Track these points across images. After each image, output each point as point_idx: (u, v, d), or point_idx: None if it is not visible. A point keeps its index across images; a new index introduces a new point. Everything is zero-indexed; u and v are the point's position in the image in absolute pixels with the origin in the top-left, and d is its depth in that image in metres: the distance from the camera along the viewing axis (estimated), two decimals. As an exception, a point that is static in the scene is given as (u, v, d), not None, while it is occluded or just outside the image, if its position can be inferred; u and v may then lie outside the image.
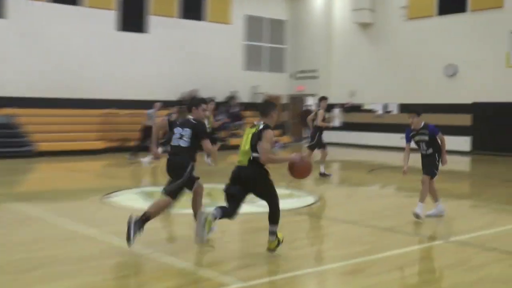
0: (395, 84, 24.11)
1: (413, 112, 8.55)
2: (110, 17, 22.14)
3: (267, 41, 27.43)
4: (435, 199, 8.61)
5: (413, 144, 8.69)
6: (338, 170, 16.22)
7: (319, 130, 13.40)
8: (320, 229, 7.86)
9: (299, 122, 28.17)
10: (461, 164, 17.93)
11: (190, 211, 7.11)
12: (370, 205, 10.04)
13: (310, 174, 6.36)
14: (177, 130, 6.76)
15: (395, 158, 17.60)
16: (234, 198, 6.13)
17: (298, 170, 6.20)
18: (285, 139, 25.14)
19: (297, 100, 28.49)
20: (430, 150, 8.55)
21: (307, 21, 27.18)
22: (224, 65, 25.28)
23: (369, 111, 24.85)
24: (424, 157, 8.64)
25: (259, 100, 25.77)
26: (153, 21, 23.19)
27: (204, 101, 7.15)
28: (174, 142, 6.74)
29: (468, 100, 21.17)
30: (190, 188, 6.78)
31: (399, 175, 15.04)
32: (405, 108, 23.43)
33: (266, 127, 6.04)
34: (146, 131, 16.50)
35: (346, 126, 25.59)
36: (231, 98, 24.54)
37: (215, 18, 25.18)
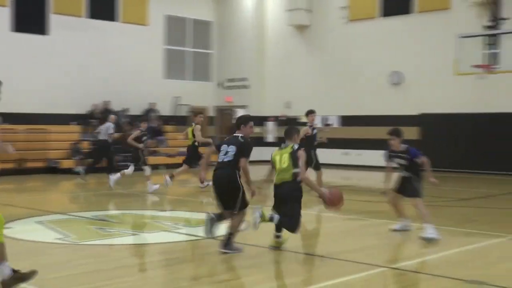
0: (335, 93, 24.63)
1: (393, 134, 9.36)
2: (2, 15, 21.57)
3: (190, 45, 27.48)
4: (401, 215, 9.48)
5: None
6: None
7: None
8: (249, 259, 7.89)
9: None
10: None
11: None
12: (311, 229, 10.19)
13: (342, 202, 8.32)
14: (224, 148, 8.05)
15: (338, 176, 17.99)
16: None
17: (331, 203, 8.25)
18: (213, 157, 25.14)
19: (226, 112, 28.62)
20: (408, 173, 9.30)
21: (236, 23, 27.43)
22: (141, 73, 25.08)
23: (306, 124, 25.27)
24: (403, 179, 9.38)
25: (182, 112, 25.75)
26: (56, 20, 22.76)
27: (251, 118, 8.51)
28: (220, 158, 8.02)
29: (415, 111, 21.92)
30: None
31: (346, 196, 15.35)
32: (346, 120, 24.04)
33: (300, 147, 8.01)
34: (102, 148, 17.43)
35: (281, 142, 25.79)
36: (149, 111, 24.33)
37: (129, 18, 25.02)
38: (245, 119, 8.29)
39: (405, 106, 22.49)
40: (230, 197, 7.83)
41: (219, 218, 7.86)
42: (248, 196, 7.96)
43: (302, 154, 7.93)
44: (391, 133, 9.35)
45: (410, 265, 7.40)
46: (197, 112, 15.53)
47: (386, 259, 8.06)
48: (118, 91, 23.72)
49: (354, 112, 23.81)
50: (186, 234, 9.58)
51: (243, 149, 7.91)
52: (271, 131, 26.65)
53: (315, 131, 14.68)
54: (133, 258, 8.11)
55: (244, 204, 7.90)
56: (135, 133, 15.52)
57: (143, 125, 16.00)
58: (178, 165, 16.03)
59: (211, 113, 27.93)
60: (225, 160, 7.92)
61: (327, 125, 24.58)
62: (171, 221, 10.86)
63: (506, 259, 7.98)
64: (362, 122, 23.36)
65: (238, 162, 7.84)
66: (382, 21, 23.74)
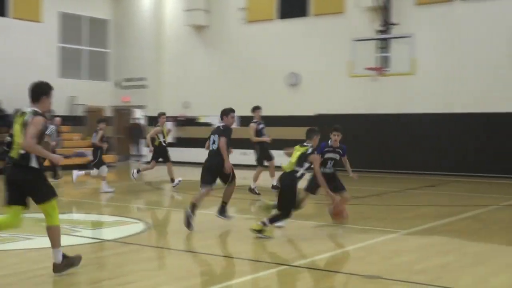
0: (234, 94, 24.78)
1: (339, 130, 10.40)
2: None
3: (87, 44, 26.82)
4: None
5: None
6: (172, 192, 16.26)
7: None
8: (151, 261, 7.82)
9: (126, 137, 27.84)
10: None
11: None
12: (207, 230, 10.19)
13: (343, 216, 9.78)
14: (211, 138, 9.88)
15: (237, 177, 18.05)
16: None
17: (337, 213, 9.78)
18: (110, 158, 24.65)
19: (123, 112, 28.16)
20: (333, 169, 10.31)
21: (133, 22, 27.05)
22: (34, 71, 24.04)
23: (206, 124, 25.29)
24: (329, 175, 10.11)
25: (79, 113, 25.09)
26: None
27: (232, 110, 10.18)
28: (210, 147, 9.91)
29: (311, 112, 22.42)
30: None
31: (239, 195, 15.48)
32: (244, 120, 24.20)
33: (314, 151, 9.03)
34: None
35: (180, 142, 25.79)
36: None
37: (22, 14, 24.09)
38: (226, 111, 10.12)
39: (302, 107, 22.95)
40: (224, 174, 9.87)
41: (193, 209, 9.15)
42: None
43: (315, 158, 9.03)
44: (337, 129, 10.32)
45: (310, 263, 7.55)
46: (161, 113, 16.64)
47: (286, 257, 8.19)
48: (10, 90, 22.76)
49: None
50: (85, 237, 9.33)
51: (223, 133, 9.75)
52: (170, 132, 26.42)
53: (261, 126, 14.97)
54: (28, 263, 7.80)
55: (234, 177, 10.03)
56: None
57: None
58: (74, 167, 15.65)
59: (108, 113, 27.37)
60: (214, 148, 9.82)
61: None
62: (69, 224, 10.54)
63: (399, 253, 8.31)
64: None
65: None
66: (280, 23, 24.14)
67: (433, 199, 14.57)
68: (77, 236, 9.39)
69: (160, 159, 16.32)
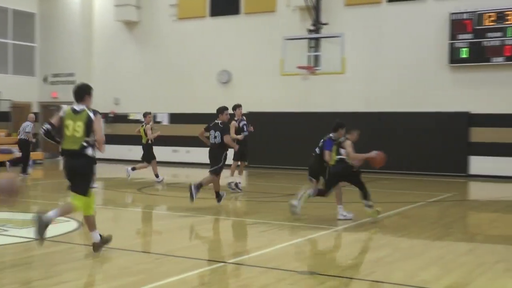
0: (165, 91, 24.61)
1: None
2: None
3: (12, 37, 26.00)
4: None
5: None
6: (103, 189, 16.00)
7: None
8: (84, 260, 7.66)
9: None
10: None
11: None
12: (142, 228, 10.09)
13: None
14: (211, 133, 12.23)
15: (167, 174, 17.97)
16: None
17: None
18: (37, 155, 24.02)
19: (51, 108, 27.48)
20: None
21: (61, 16, 26.42)
22: (-44, 65, 23.29)
23: (137, 121, 24.97)
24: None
25: (4, 108, 24.31)
26: None
27: (226, 108, 12.51)
28: (211, 140, 12.23)
29: (243, 110, 22.41)
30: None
31: (171, 193, 15.40)
32: (175, 118, 24.04)
33: (347, 138, 10.61)
34: (22, 146, 18.68)
35: (110, 139, 25.32)
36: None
37: None
38: (221, 109, 12.30)
39: (233, 104, 22.91)
40: (216, 162, 12.04)
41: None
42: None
43: (348, 143, 10.53)
44: (343, 126, 10.88)
45: (246, 259, 7.58)
46: (146, 112, 17.20)
47: (222, 254, 8.20)
48: None
49: (185, 109, 23.92)
50: (14, 236, 9.05)
51: (224, 130, 12.09)
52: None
53: (242, 123, 15.08)
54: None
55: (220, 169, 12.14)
56: None
57: None
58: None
59: (35, 109, 26.63)
60: (216, 142, 12.12)
61: (157, 122, 24.44)
62: (-5, 223, 10.20)
63: (332, 249, 8.46)
64: (191, 120, 23.48)
65: (223, 140, 11.99)
66: (211, 21, 24.08)
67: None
68: (6, 235, 9.10)
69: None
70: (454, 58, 19.88)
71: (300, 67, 18.34)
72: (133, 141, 24.41)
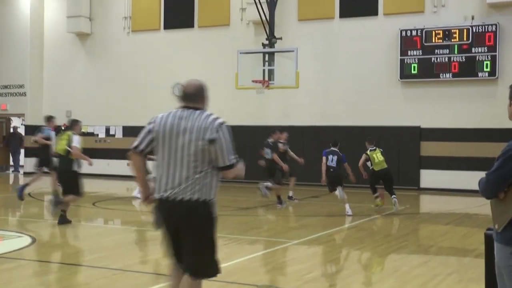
0: (119, 103, 24.35)
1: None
2: None
3: (-41, 47, 25.38)
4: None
5: None
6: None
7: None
8: (40, 276, 7.49)
9: (4, 147, 26.62)
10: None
11: None
12: (97, 243, 9.92)
13: None
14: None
15: (121, 188, 17.74)
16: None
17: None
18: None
19: (0, 121, 26.91)
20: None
21: (10, 26, 25.87)
22: None
23: (90, 134, 24.65)
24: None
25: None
26: None
27: None
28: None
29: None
30: None
31: (126, 207, 15.21)
32: (128, 131, 23.82)
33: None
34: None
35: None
36: None
37: None
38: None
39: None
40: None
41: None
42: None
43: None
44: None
45: (205, 274, 7.52)
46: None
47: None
48: None
49: (138, 122, 23.67)
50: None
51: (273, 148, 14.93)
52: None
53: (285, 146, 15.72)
54: None
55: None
56: None
57: None
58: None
59: (-18, 121, 26.04)
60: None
61: (110, 135, 24.18)
62: None
63: (290, 263, 8.48)
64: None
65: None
66: (165, 34, 23.97)
67: (318, 210, 14.98)
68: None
69: None
70: (405, 73, 20.27)
71: (254, 81, 18.40)
72: (86, 154, 24.10)
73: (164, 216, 4.84)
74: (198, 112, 4.86)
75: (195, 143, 4.68)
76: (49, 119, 15.50)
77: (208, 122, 4.77)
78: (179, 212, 4.69)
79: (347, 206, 13.27)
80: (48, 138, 14.80)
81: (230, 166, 4.85)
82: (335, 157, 13.77)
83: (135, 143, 4.89)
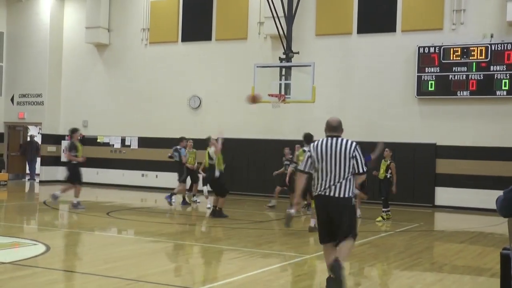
0: (135, 115, 24.50)
1: None
2: None
3: (-22, 55, 25.70)
4: None
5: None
6: (70, 213, 15.79)
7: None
8: (53, 284, 7.53)
9: (21, 155, 26.84)
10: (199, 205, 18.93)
11: None
12: (111, 253, 9.96)
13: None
14: None
15: (135, 198, 17.82)
16: None
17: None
18: (2, 175, 23.63)
19: (17, 129, 27.17)
20: None
21: (30, 35, 26.18)
22: None
23: (106, 144, 24.81)
24: None
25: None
26: None
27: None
28: None
29: (214, 135, 22.37)
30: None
31: (140, 217, 15.27)
32: (144, 142, 23.93)
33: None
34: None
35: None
36: None
37: None
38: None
39: (203, 130, 22.92)
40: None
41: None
42: None
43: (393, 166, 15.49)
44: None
45: (218, 286, 7.54)
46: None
47: (194, 281, 8.15)
48: None
49: (155, 134, 23.82)
50: (-20, 259, 8.84)
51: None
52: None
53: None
54: None
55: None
56: None
57: None
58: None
59: (1, 129, 26.26)
60: None
61: (126, 146, 24.29)
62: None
63: (303, 277, 8.46)
64: (160, 144, 23.38)
65: None
66: (183, 46, 24.13)
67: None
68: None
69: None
70: (422, 90, 20.23)
71: (271, 95, 18.45)
72: (102, 164, 24.24)
73: (323, 207, 7.16)
74: (340, 139, 7.46)
75: (344, 159, 7.15)
76: (74, 131, 16.30)
77: (349, 145, 7.30)
78: (335, 204, 7.05)
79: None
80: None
81: (364, 173, 7.20)
82: None
83: (301, 167, 7.44)
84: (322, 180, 7.11)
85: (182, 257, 10.15)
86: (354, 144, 7.31)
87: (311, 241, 11.71)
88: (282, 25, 19.76)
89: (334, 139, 7.49)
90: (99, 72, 25.64)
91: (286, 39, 19.91)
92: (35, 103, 25.94)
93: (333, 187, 7.04)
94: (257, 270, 8.75)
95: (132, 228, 13.78)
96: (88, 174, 24.58)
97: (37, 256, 9.26)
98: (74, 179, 16.01)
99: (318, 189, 7.12)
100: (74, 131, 16.37)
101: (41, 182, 25.33)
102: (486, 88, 19.35)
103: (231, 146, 21.36)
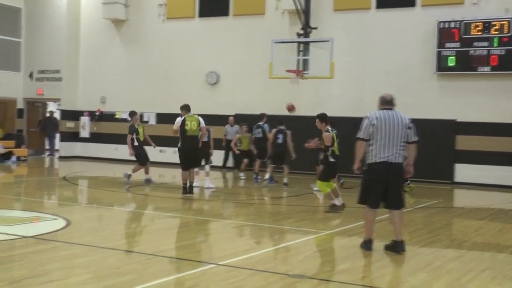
0: (152, 91, 24.52)
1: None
2: None
3: (-3, 32, 25.80)
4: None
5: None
6: (89, 188, 15.92)
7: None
8: (73, 259, 7.61)
9: (40, 131, 27.04)
10: (214, 181, 18.97)
11: None
12: (129, 228, 10.04)
13: None
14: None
15: (154, 174, 17.89)
16: None
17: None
18: (21, 151, 23.84)
19: (36, 105, 27.32)
20: None
21: (48, 12, 26.17)
22: None
23: (123, 120, 24.87)
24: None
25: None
26: None
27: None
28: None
29: (231, 112, 22.44)
30: None
31: (158, 193, 15.35)
32: (162, 117, 23.95)
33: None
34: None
35: (96, 138, 25.31)
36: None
37: None
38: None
39: (221, 106, 22.94)
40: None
41: None
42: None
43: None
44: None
45: (236, 262, 7.56)
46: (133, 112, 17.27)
47: (213, 256, 8.18)
48: None
49: (172, 110, 23.78)
50: (1, 233, 8.96)
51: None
52: (86, 126, 25.83)
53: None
54: None
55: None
56: None
57: None
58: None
59: (20, 105, 26.42)
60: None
61: (144, 122, 24.34)
62: (-18, 220, 10.11)
63: (323, 253, 8.47)
64: (178, 120, 23.31)
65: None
66: (200, 22, 24.02)
67: (349, 201, 14.90)
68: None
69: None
70: (441, 66, 19.99)
71: (289, 71, 18.34)
72: (120, 140, 24.33)
73: (384, 172, 8.03)
74: (396, 111, 8.24)
75: (402, 129, 8.07)
76: (133, 114, 17.01)
77: (405, 117, 8.19)
78: (396, 169, 8.04)
79: None
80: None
81: (416, 142, 8.22)
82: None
83: (362, 135, 8.20)
84: (384, 147, 7.96)
85: (200, 232, 10.19)
86: (408, 117, 8.27)
87: (328, 217, 11.71)
88: (300, 0, 19.58)
89: (391, 111, 8.19)
90: (116, 48, 25.63)
91: (304, 14, 19.74)
92: (54, 79, 26.02)
93: (396, 154, 7.97)
94: (275, 246, 8.78)
95: (151, 203, 13.86)
96: (106, 149, 24.86)
97: (58, 230, 9.36)
98: (142, 162, 16.66)
99: (379, 156, 7.98)
100: (133, 113, 16.91)
101: (60, 157, 25.53)
102: (508, 63, 19.06)
103: (249, 123, 21.29)
